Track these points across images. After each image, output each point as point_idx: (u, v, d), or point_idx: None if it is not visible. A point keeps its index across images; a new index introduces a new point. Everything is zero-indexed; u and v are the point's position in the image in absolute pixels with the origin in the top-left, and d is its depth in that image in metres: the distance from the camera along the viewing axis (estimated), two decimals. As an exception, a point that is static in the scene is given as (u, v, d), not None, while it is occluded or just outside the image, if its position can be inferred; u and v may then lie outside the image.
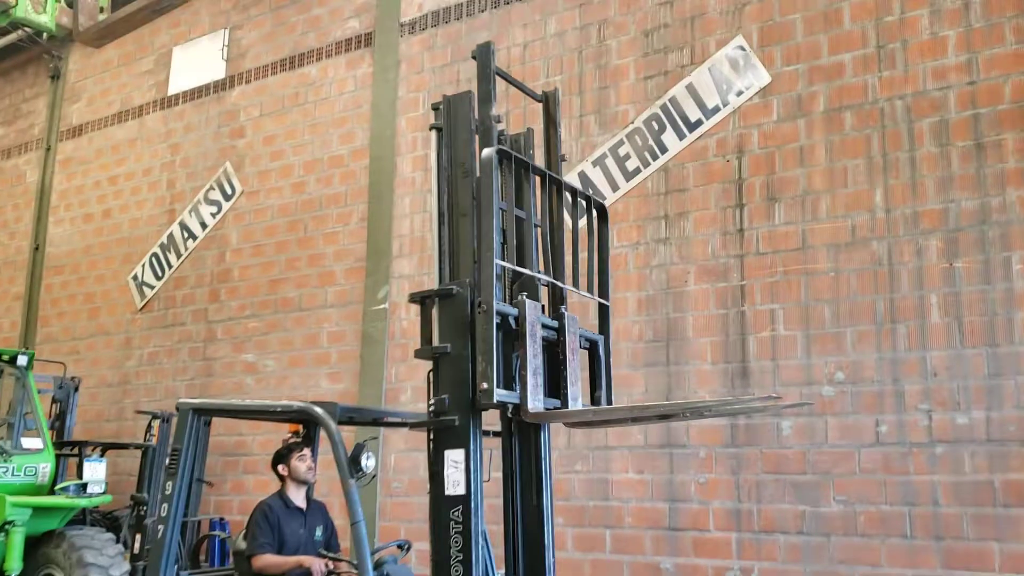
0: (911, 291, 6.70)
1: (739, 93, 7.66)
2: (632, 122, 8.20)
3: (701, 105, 7.84)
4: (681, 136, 7.91)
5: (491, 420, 4.53)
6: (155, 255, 11.82)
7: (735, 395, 7.11)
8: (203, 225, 11.36)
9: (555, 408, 4.24)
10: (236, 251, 10.95)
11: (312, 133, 10.58)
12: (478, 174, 4.22)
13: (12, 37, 13.92)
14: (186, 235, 11.52)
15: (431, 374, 4.27)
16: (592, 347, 4.63)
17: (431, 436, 4.24)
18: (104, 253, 12.56)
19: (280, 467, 5.45)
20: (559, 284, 4.46)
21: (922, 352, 6.59)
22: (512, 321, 4.11)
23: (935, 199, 6.75)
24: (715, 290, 7.48)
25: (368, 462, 4.59)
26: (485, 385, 3.88)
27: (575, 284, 4.53)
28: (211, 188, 11.39)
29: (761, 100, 7.56)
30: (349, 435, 7.67)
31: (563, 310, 4.39)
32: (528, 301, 4.09)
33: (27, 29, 13.53)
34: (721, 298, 7.44)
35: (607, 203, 8.09)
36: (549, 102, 4.85)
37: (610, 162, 8.26)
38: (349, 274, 9.83)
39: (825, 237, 7.07)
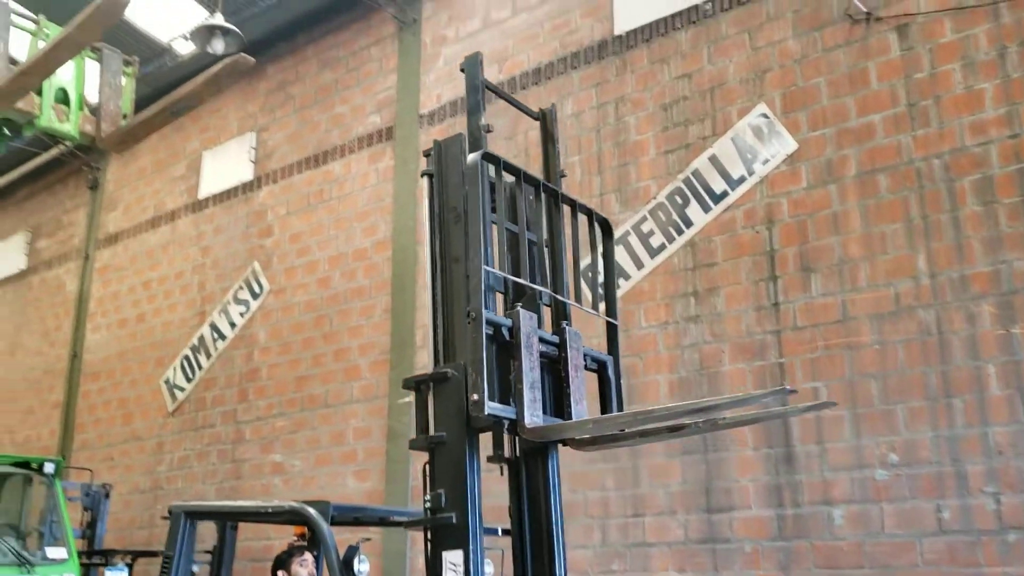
0: (965, 361, 6.15)
1: (765, 161, 7.32)
2: (655, 197, 7.89)
3: (726, 176, 7.51)
4: (706, 209, 7.56)
5: (498, 515, 4.13)
6: (186, 357, 11.69)
7: (780, 483, 6.56)
8: (232, 325, 11.23)
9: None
10: (264, 350, 10.76)
11: (336, 228, 10.47)
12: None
13: (54, 151, 14.32)
14: (216, 336, 11.39)
15: (426, 467, 3.90)
16: (601, 368, 4.33)
17: (427, 536, 3.85)
18: (138, 357, 12.48)
19: (280, 573, 5.05)
20: (560, 298, 4.20)
21: (983, 428, 6.00)
22: (506, 333, 3.85)
23: (984, 261, 6.26)
24: (752, 369, 7.00)
25: (361, 566, 4.22)
26: (476, 397, 3.62)
27: (578, 300, 4.27)
28: (240, 288, 11.30)
29: (789, 167, 7.20)
30: (376, 536, 7.25)
31: (564, 325, 4.11)
32: (523, 311, 3.85)
33: (67, 143, 13.90)
34: (759, 377, 6.95)
35: (632, 282, 7.75)
36: (546, 119, 4.68)
37: (633, 239, 7.93)
38: (374, 367, 9.53)
39: (867, 307, 6.58)
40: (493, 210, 4.12)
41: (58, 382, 13.73)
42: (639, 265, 7.85)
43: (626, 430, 3.99)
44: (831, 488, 6.39)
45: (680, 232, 7.67)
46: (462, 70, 4.37)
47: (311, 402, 10.00)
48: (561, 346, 4.07)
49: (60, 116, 8.13)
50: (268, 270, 11.05)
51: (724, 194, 7.49)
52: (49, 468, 8.98)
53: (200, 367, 11.47)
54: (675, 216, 7.73)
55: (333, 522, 4.35)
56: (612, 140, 8.34)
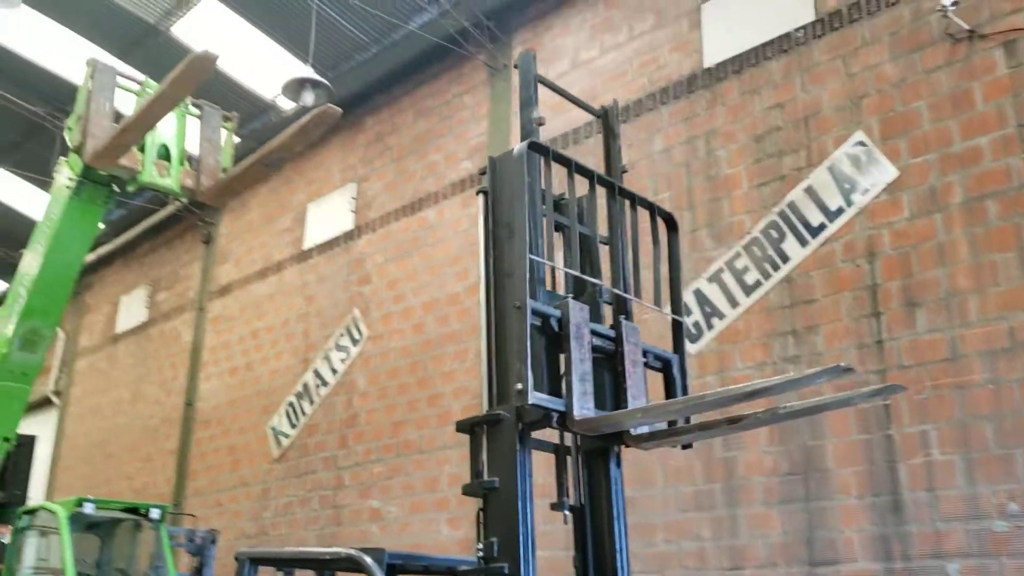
0: (1094, 401, 5.58)
1: (864, 191, 6.93)
2: (749, 232, 7.57)
3: (823, 208, 7.14)
4: (803, 243, 7.19)
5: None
6: (291, 404, 11.89)
7: (887, 534, 6.07)
8: (333, 371, 11.37)
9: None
10: (363, 395, 10.84)
11: (430, 274, 10.51)
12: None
13: (170, 208, 15.01)
14: (319, 383, 11.56)
15: (480, 514, 3.74)
16: (666, 367, 4.18)
17: (481, 586, 3.67)
18: (246, 405, 12.79)
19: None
20: (619, 293, 4.10)
21: (1118, 475, 5.41)
22: (556, 325, 3.71)
23: (1111, 290, 5.70)
24: (855, 412, 6.55)
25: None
26: (520, 386, 3.46)
27: (639, 296, 4.10)
28: (341, 335, 11.46)
29: (889, 197, 6.79)
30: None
31: (621, 318, 3.98)
32: (573, 302, 3.73)
33: (182, 200, 14.56)
34: (863, 421, 6.50)
35: (727, 321, 7.44)
36: (608, 116, 4.70)
37: (727, 277, 7.61)
38: (467, 412, 9.39)
39: (978, 343, 6.08)
40: (551, 208, 4.04)
41: (174, 430, 14.21)
42: (734, 303, 7.52)
43: (680, 422, 3.84)
44: (944, 540, 5.87)
45: (776, 268, 7.33)
46: (516, 67, 4.35)
47: (406, 447, 9.98)
48: (618, 341, 3.93)
49: (161, 171, 8.46)
50: (367, 317, 11.18)
51: (822, 227, 7.12)
52: (155, 514, 9.20)
53: (304, 413, 11.64)
54: (770, 251, 7.39)
55: (393, 570, 4.21)
56: (703, 175, 8.09)
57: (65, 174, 8.83)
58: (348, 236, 11.94)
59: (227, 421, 13.07)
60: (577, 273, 4.01)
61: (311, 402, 11.57)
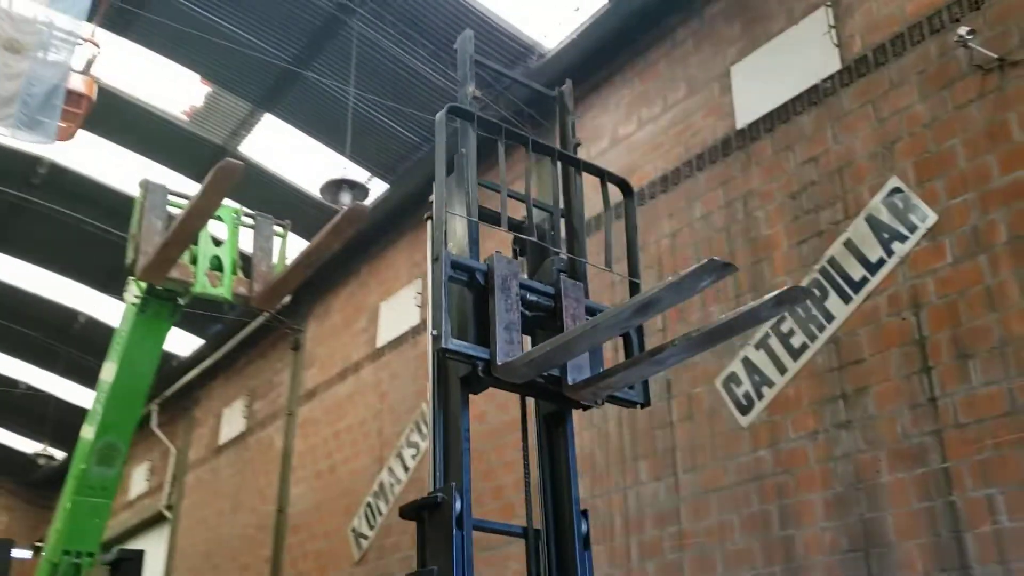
0: None
1: (903, 239, 6.46)
2: (791, 294, 7.14)
3: (863, 261, 6.69)
4: (847, 299, 6.74)
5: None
6: (368, 504, 11.83)
7: (957, 615, 5.41)
8: (405, 468, 11.28)
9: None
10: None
11: (491, 362, 10.37)
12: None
13: (260, 319, 15.53)
14: (393, 481, 11.48)
15: (424, 605, 3.54)
16: (625, 335, 4.14)
17: None
18: (330, 508, 12.80)
19: None
20: (556, 251, 4.22)
21: None
22: (481, 278, 3.80)
23: None
24: (913, 479, 5.96)
25: None
26: (435, 332, 3.56)
27: (584, 256, 4.29)
28: (411, 430, 11.41)
29: (930, 242, 6.30)
30: None
31: (562, 275, 4.04)
32: (499, 255, 3.84)
33: (270, 311, 15.07)
34: (922, 488, 5.89)
35: (776, 389, 6.99)
36: (562, 96, 4.92)
37: (774, 342, 7.18)
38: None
39: (1040, 393, 5.47)
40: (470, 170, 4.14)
41: (268, 537, 14.33)
42: (782, 370, 7.07)
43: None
44: (1020, 620, 5.18)
45: (821, 328, 6.87)
46: (454, 49, 4.53)
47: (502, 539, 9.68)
48: (557, 297, 3.97)
49: (214, 281, 8.72)
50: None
51: (864, 281, 6.66)
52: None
53: (380, 513, 11.55)
54: (814, 311, 6.95)
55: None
56: (743, 237, 7.75)
57: (132, 292, 9.22)
58: (415, 331, 12.00)
59: (314, 525, 13.09)
60: (505, 229, 4.08)
61: (387, 501, 11.47)
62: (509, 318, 3.72)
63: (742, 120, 8.10)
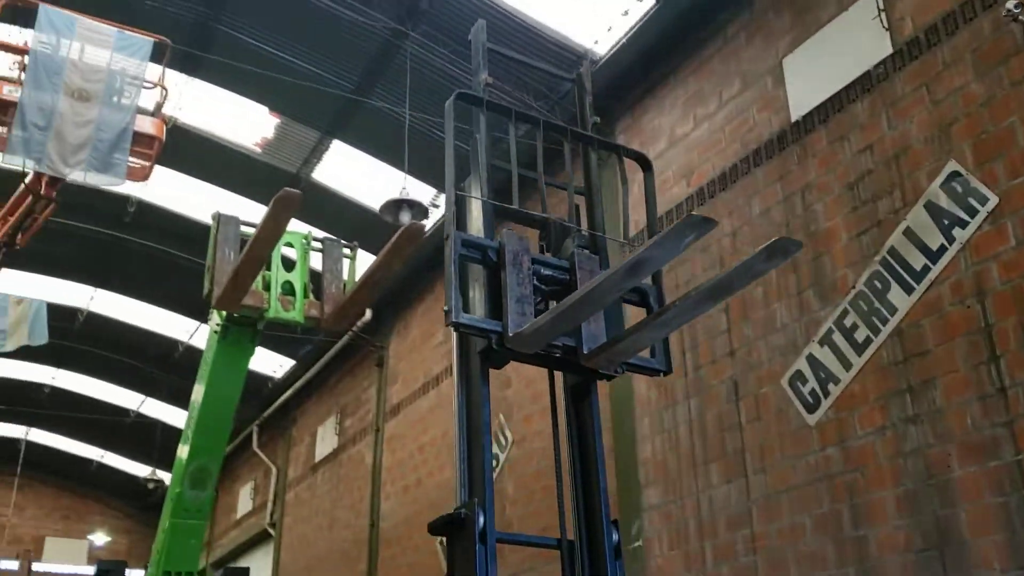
0: None
1: (964, 225, 6.23)
2: (853, 287, 6.98)
3: (924, 249, 6.48)
4: (909, 290, 6.53)
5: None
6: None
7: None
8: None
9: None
10: (513, 502, 10.75)
11: (563, 371, 10.40)
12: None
13: (345, 338, 15.94)
14: (475, 493, 11.60)
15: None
16: (643, 298, 4.27)
17: None
18: (419, 522, 13.00)
19: None
20: (567, 223, 4.34)
21: None
22: (493, 255, 3.91)
23: None
24: (985, 472, 5.73)
25: None
26: (446, 308, 3.67)
27: (603, 231, 4.41)
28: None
29: (992, 226, 6.06)
30: None
31: (575, 250, 4.12)
32: (509, 232, 3.93)
33: (354, 329, 15.46)
34: (996, 482, 5.66)
35: (842, 386, 6.83)
36: (580, 76, 5.02)
37: (838, 338, 7.01)
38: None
39: (1113, 378, 5.20)
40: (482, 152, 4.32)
41: (363, 552, 14.67)
42: (847, 365, 6.89)
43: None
44: (1102, 618, 4.92)
45: (885, 321, 6.67)
46: (469, 40, 4.66)
47: (554, 554, 9.70)
48: (571, 271, 4.04)
49: (286, 306, 9.01)
50: (510, 421, 11.19)
51: (925, 270, 6.44)
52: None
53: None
54: (877, 304, 6.75)
55: None
56: (803, 231, 7.59)
57: (214, 319, 9.61)
58: (490, 344, 12.10)
59: (404, 539, 13.34)
60: (518, 209, 4.19)
61: (471, 513, 11.60)
62: (520, 292, 3.81)
63: (796, 112, 7.94)
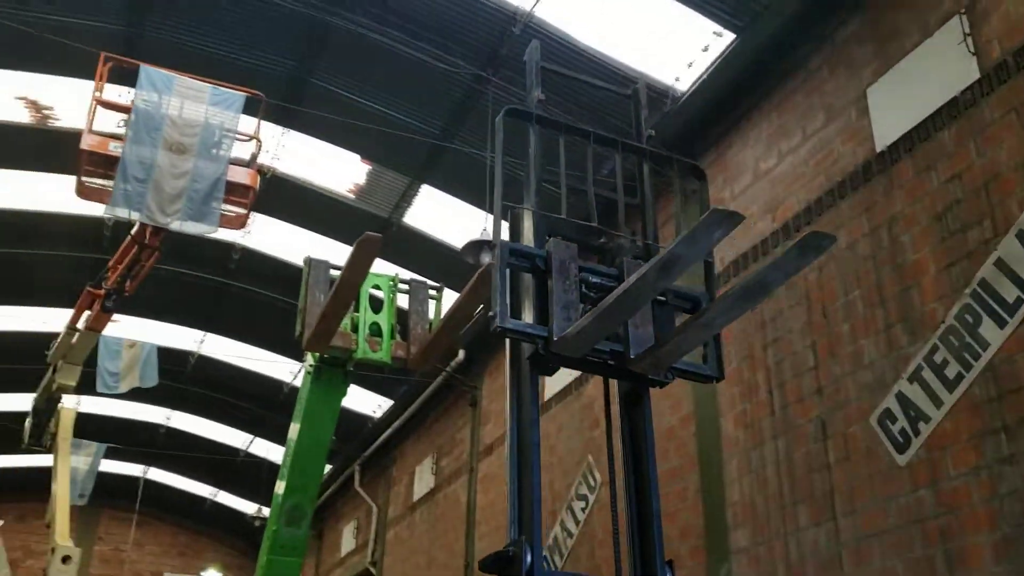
0: None
1: (1059, 253, 5.93)
2: (943, 321, 6.70)
3: (1016, 280, 6.18)
4: (1001, 323, 6.23)
5: None
6: (545, 559, 11.90)
7: None
8: (576, 522, 11.30)
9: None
10: (601, 543, 10.61)
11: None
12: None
13: (440, 379, 16.15)
14: (565, 535, 11.51)
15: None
16: (695, 305, 4.35)
17: None
18: (512, 562, 12.95)
19: None
20: (649, 243, 4.51)
21: None
22: (542, 264, 4.03)
23: None
24: (1087, 516, 5.37)
25: None
26: (491, 313, 3.84)
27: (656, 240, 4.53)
28: (579, 483, 11.43)
29: (1089, 254, 5.75)
30: None
31: (625, 258, 4.23)
32: (556, 240, 4.06)
33: (447, 370, 15.68)
34: (1099, 527, 5.30)
35: (933, 424, 6.55)
36: (636, 93, 5.19)
37: (928, 374, 6.72)
38: (694, 554, 8.90)
39: None
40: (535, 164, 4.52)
41: (457, 592, 14.69)
42: (938, 403, 6.60)
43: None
44: None
45: (976, 356, 6.37)
46: (524, 61, 4.85)
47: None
48: (620, 278, 4.12)
49: (374, 346, 9.24)
50: (599, 462, 11.08)
51: (1019, 302, 6.14)
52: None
53: (556, 568, 11.57)
54: (968, 338, 6.46)
55: None
56: (890, 265, 7.35)
57: (308, 361, 9.92)
58: (578, 381, 12.08)
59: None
60: (561, 217, 4.40)
61: (561, 556, 11.51)
62: (567, 298, 3.90)
63: (881, 143, 7.73)
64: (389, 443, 19.38)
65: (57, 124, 10.95)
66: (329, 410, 10.00)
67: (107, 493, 26.58)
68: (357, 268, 8.02)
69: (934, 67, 7.35)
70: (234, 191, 9.21)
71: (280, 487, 10.12)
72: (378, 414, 19.17)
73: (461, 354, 15.28)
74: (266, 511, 22.84)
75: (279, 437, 20.82)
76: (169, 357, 18.28)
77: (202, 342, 18.44)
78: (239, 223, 9.69)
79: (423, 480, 17.73)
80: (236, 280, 15.44)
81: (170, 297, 16.37)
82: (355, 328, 9.23)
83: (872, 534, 6.86)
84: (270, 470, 21.91)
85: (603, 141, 4.58)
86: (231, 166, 9.21)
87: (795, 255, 3.28)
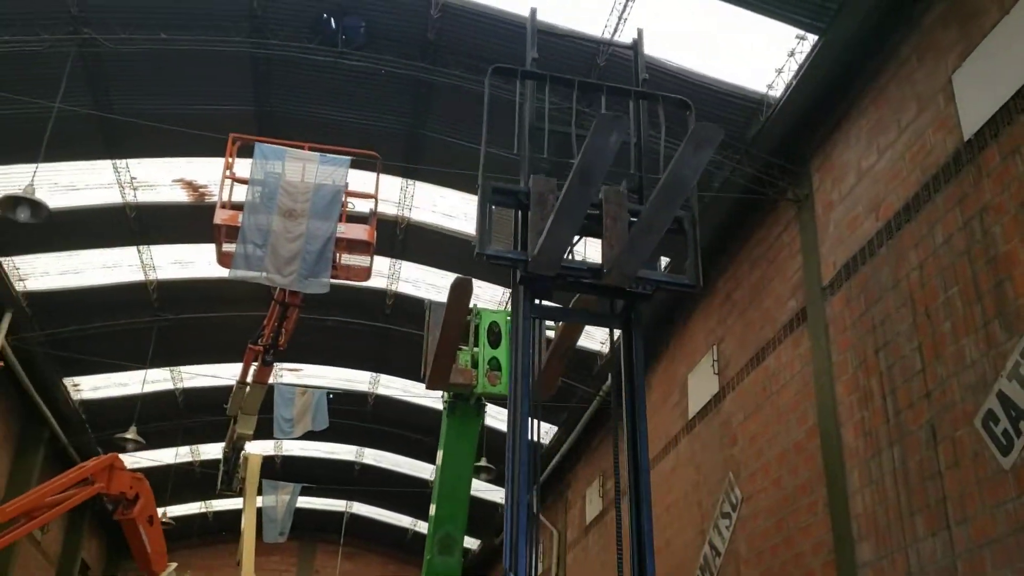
0: None
1: None
2: (1038, 314, 6.32)
3: (1105, 264, 5.77)
4: (1093, 312, 5.82)
5: None
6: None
7: None
8: (722, 540, 11.20)
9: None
10: (746, 561, 10.47)
11: (778, 424, 10.10)
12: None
13: (595, 403, 16.39)
14: (714, 554, 11.43)
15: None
16: (679, 225, 4.81)
17: None
18: (669, 584, 12.96)
19: None
20: (641, 175, 5.01)
21: None
22: (524, 199, 4.54)
23: None
24: None
25: None
26: (474, 243, 4.35)
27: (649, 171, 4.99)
28: (723, 501, 11.33)
29: None
30: None
31: (604, 187, 4.60)
32: (538, 176, 4.55)
33: (600, 394, 15.89)
34: None
35: (1035, 424, 6.20)
36: (636, 44, 5.62)
37: (1026, 371, 6.35)
38: (825, 569, 8.66)
39: None
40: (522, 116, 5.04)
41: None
42: (1040, 401, 6.21)
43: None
44: None
45: (1073, 349, 5.97)
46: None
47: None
48: (600, 206, 4.58)
49: (493, 380, 9.67)
50: (739, 478, 10.95)
51: (1109, 287, 5.73)
52: None
53: (707, 586, 11.51)
54: (1063, 330, 6.07)
55: None
56: (983, 258, 6.99)
57: (444, 398, 10.52)
58: (716, 399, 11.99)
59: (659, 600, 13.29)
60: (541, 156, 4.87)
61: (711, 575, 11.42)
62: (542, 225, 4.31)
63: (968, 130, 7.38)
64: (562, 467, 19.73)
65: (212, 199, 12.18)
66: (466, 442, 10.49)
67: (319, 528, 28.66)
68: (455, 309, 8.49)
69: (1014, 45, 6.96)
70: (355, 247, 9.95)
71: (432, 518, 10.70)
72: (546, 440, 19.59)
73: (611, 378, 15.44)
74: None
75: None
76: (349, 399, 19.60)
77: (376, 382, 19.61)
78: (364, 275, 10.42)
79: (592, 503, 17.94)
80: (393, 323, 16.40)
81: (340, 344, 17.60)
82: (475, 364, 9.68)
83: (983, 543, 6.50)
84: (477, 504, 22.86)
85: (588, 88, 5.13)
86: (350, 224, 9.96)
87: (692, 150, 3.75)
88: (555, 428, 19.02)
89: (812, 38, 9.07)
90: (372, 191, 10.51)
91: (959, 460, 6.93)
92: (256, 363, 12.37)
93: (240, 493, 14.98)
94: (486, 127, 4.91)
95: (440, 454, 10.55)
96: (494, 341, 9.96)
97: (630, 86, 5.44)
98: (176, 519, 22.65)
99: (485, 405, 10.41)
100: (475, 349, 9.82)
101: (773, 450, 10.14)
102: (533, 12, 5.60)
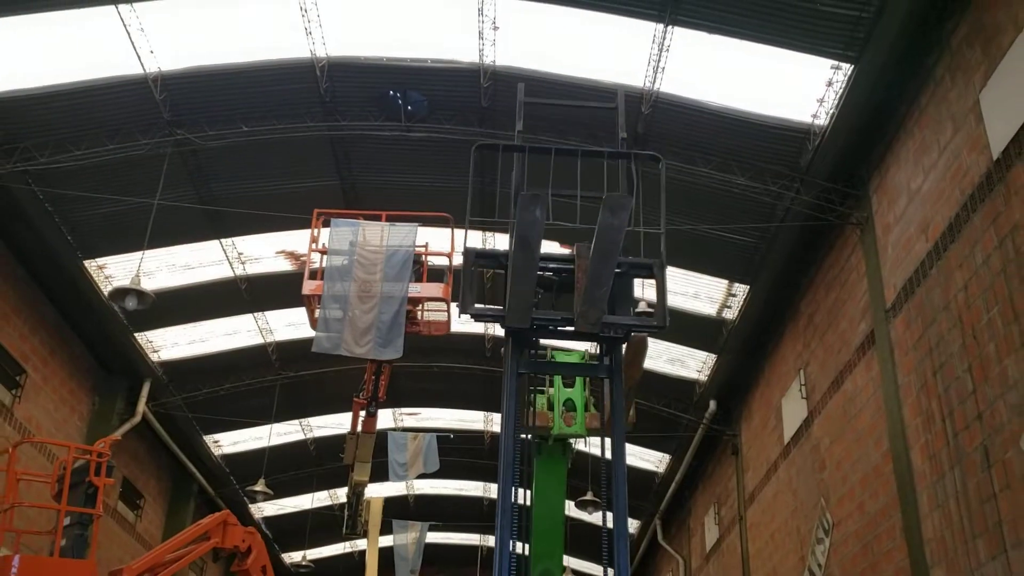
0: None
1: None
2: (1067, 333, 6.28)
3: (1118, 282, 5.74)
4: (1112, 331, 5.78)
5: None
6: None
7: None
8: (819, 566, 11.16)
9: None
10: (839, 588, 10.43)
11: (859, 448, 10.08)
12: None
13: (701, 431, 16.46)
14: (813, 579, 11.39)
15: None
16: (648, 271, 5.17)
17: None
18: (780, 610, 12.91)
19: None
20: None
21: None
22: (505, 261, 5.03)
23: None
24: None
25: None
26: (459, 303, 4.81)
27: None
28: (817, 527, 11.30)
29: None
30: None
31: (577, 244, 5.06)
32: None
33: (704, 421, 15.99)
34: None
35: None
36: (618, 98, 5.88)
37: (1061, 391, 6.30)
38: (905, 596, 8.61)
39: None
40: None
41: (745, 641, 14.71)
42: (1075, 421, 6.17)
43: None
44: None
45: (1099, 368, 5.93)
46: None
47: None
48: (573, 260, 5.04)
49: (568, 421, 10.11)
50: (829, 504, 10.92)
51: (1124, 305, 5.69)
52: None
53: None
54: (1089, 349, 6.03)
55: None
56: (1018, 276, 6.96)
57: (529, 438, 11.02)
58: (806, 424, 11.98)
59: (771, 628, 13.26)
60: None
61: (812, 600, 11.38)
62: (517, 286, 4.79)
63: (996, 149, 7.37)
64: (683, 495, 19.77)
65: (313, 266, 13.19)
66: (555, 480, 10.89)
67: (455, 563, 29.47)
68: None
69: (1030, 61, 6.96)
70: (432, 304, 10.63)
71: (530, 557, 11.15)
72: (661, 469, 19.71)
73: (712, 404, 15.56)
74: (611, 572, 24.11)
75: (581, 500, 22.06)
76: (466, 438, 20.37)
77: (490, 421, 20.29)
78: (444, 328, 11.06)
79: (710, 530, 17.94)
80: (495, 365, 17.01)
81: (450, 388, 18.41)
82: (551, 406, 10.14)
83: (1034, 567, 6.46)
84: (594, 532, 23.13)
85: (565, 153, 5.41)
86: (427, 284, 10.63)
87: (609, 215, 4.20)
88: (667, 456, 19.13)
89: (846, 67, 9.16)
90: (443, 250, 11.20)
91: (1010, 482, 6.89)
92: (363, 414, 13.21)
93: (364, 535, 15.86)
94: (471, 201, 5.53)
95: (532, 493, 11.01)
96: (569, 383, 10.39)
97: (607, 147, 5.75)
98: (315, 561, 23.91)
99: (572, 444, 10.82)
100: (550, 390, 10.28)
101: (856, 475, 10.11)
102: (521, 88, 6.05)
